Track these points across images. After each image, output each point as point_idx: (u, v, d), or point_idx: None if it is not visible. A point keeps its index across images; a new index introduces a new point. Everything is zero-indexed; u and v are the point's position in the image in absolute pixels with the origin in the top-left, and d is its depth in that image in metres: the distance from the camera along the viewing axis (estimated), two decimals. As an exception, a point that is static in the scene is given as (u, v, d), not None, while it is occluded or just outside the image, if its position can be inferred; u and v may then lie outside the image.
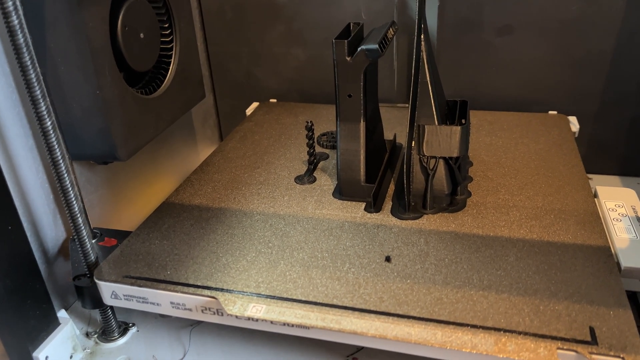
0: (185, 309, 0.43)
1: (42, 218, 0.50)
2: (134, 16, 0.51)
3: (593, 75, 0.69)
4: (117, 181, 0.61)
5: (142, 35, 0.53)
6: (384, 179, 0.56)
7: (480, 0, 0.68)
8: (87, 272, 0.47)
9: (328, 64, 0.66)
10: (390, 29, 0.52)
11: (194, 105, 0.66)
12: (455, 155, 0.48)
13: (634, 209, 0.50)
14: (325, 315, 0.39)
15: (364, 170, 0.52)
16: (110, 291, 0.44)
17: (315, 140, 0.60)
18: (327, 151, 0.63)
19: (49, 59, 0.45)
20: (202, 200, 0.55)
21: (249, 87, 0.83)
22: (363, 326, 0.38)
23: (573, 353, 0.35)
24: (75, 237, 0.46)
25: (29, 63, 0.38)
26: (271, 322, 0.40)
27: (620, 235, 0.46)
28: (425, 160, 0.49)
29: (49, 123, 0.40)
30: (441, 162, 0.49)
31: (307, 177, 0.57)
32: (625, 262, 0.43)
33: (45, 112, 0.40)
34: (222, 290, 0.42)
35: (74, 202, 0.44)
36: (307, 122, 0.57)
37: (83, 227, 0.45)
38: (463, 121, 0.52)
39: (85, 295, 0.47)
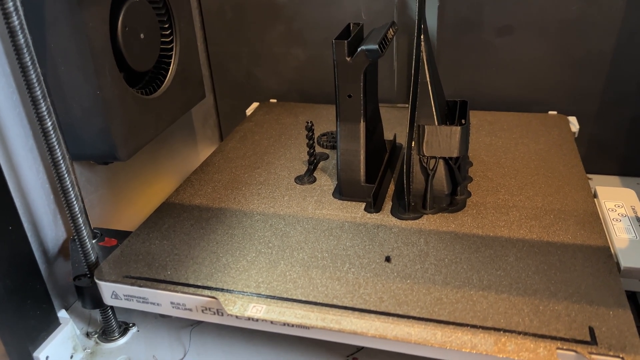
0: (186, 309, 0.43)
1: (43, 218, 0.50)
2: (134, 16, 0.51)
3: (593, 75, 0.69)
4: (117, 181, 0.61)
5: (142, 36, 0.53)
6: (384, 179, 0.56)
7: (480, 0, 0.68)
8: (87, 272, 0.47)
9: (328, 64, 0.66)
10: (390, 29, 0.52)
11: (194, 105, 0.66)
12: (455, 155, 0.48)
13: (633, 209, 0.50)
14: (325, 315, 0.39)
15: (364, 170, 0.52)
16: (111, 291, 0.44)
17: (315, 140, 0.60)
18: (327, 151, 0.63)
19: (49, 60, 0.45)
20: (202, 200, 0.55)
21: (249, 87, 0.83)
22: (363, 326, 0.38)
23: (573, 353, 0.35)
24: (75, 237, 0.46)
25: (29, 63, 0.38)
26: (271, 322, 0.40)
27: (619, 235, 0.47)
28: (425, 160, 0.49)
29: (49, 123, 0.40)
30: (441, 162, 0.49)
31: (307, 177, 0.57)
32: (625, 262, 0.43)
33: (45, 113, 0.40)
34: (222, 290, 0.42)
35: (75, 202, 0.44)
36: (307, 122, 0.57)
37: (83, 227, 0.45)
38: (463, 121, 0.52)
39: (86, 295, 0.47)
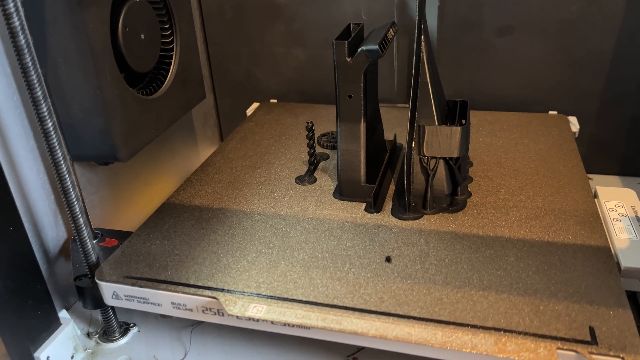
0: (186, 309, 0.43)
1: (43, 219, 0.50)
2: (135, 17, 0.51)
3: (593, 75, 0.69)
4: (117, 182, 0.61)
5: (142, 36, 0.53)
6: (384, 180, 0.56)
7: (480, 0, 0.68)
8: (88, 273, 0.47)
9: (328, 64, 0.66)
10: (391, 30, 0.52)
11: (195, 105, 0.66)
12: (455, 155, 0.48)
13: (633, 209, 0.50)
14: (325, 315, 0.39)
15: (364, 170, 0.52)
16: (111, 291, 0.44)
17: (315, 140, 0.60)
18: (327, 151, 0.63)
19: (49, 60, 0.45)
20: (202, 200, 0.55)
21: (249, 88, 0.83)
22: (363, 326, 0.38)
23: (573, 353, 0.35)
24: (76, 237, 0.46)
25: (30, 64, 0.38)
26: (272, 322, 0.40)
27: (620, 235, 0.47)
28: (426, 160, 0.49)
29: (50, 124, 0.40)
30: (441, 162, 0.49)
31: (308, 178, 0.57)
32: (625, 262, 0.43)
33: (46, 113, 0.40)
34: (222, 290, 0.42)
35: (75, 202, 0.44)
36: (308, 123, 0.57)
37: (84, 228, 0.45)
38: (463, 121, 0.52)
39: (86, 296, 0.47)
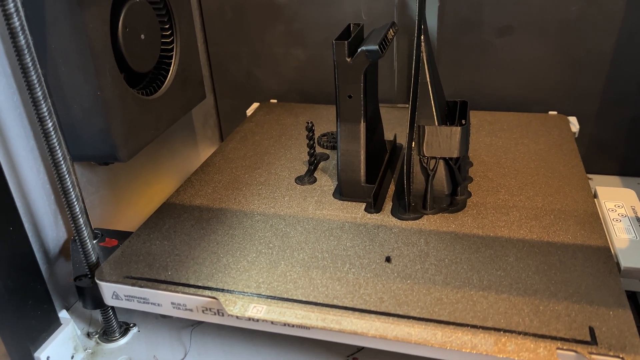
0: (186, 309, 0.43)
1: (43, 219, 0.50)
2: (135, 17, 0.52)
3: (593, 75, 0.69)
4: (117, 182, 0.61)
5: (142, 36, 0.53)
6: (384, 180, 0.56)
7: (480, 0, 0.68)
8: (88, 273, 0.47)
9: (328, 64, 0.66)
10: (391, 30, 0.52)
11: (195, 105, 0.66)
12: (455, 155, 0.48)
13: (633, 209, 0.50)
14: (325, 315, 0.39)
15: (364, 170, 0.52)
16: (111, 292, 0.44)
17: (315, 140, 0.60)
18: (327, 152, 0.63)
19: (49, 60, 0.45)
20: (202, 200, 0.55)
21: (249, 88, 0.83)
22: (363, 326, 0.38)
23: (573, 353, 0.35)
24: (76, 237, 0.46)
25: (30, 64, 0.38)
26: (272, 322, 0.40)
27: (619, 235, 0.47)
28: (426, 160, 0.49)
29: (50, 124, 0.40)
30: (441, 162, 0.49)
31: (308, 178, 0.57)
32: (625, 263, 0.43)
33: (46, 114, 0.40)
34: (222, 290, 0.42)
35: (75, 202, 0.44)
36: (308, 123, 0.57)
37: (84, 228, 0.45)
38: (463, 122, 0.52)
39: (86, 296, 0.47)
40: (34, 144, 0.48)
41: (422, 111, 0.49)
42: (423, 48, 0.49)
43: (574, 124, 0.66)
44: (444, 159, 0.49)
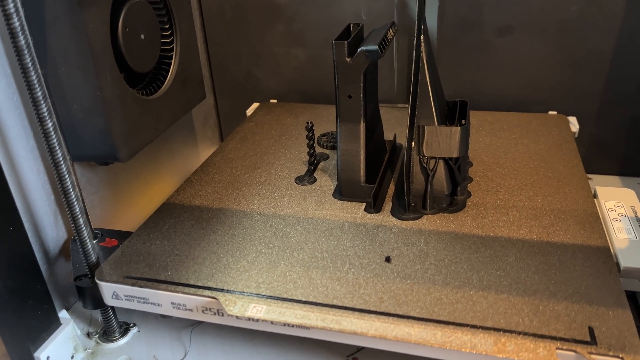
0: (186, 309, 0.43)
1: (43, 219, 0.50)
2: (135, 17, 0.52)
3: (593, 75, 0.69)
4: (117, 182, 0.61)
5: (142, 36, 0.53)
6: (384, 180, 0.56)
7: (480, 0, 0.68)
8: (88, 273, 0.47)
9: (328, 64, 0.66)
10: (390, 30, 0.52)
11: (195, 105, 0.66)
12: (455, 155, 0.48)
13: (633, 209, 0.50)
14: (325, 315, 0.39)
15: (364, 170, 0.52)
16: (111, 291, 0.44)
17: (315, 140, 0.60)
18: (327, 152, 0.63)
19: (49, 60, 0.45)
20: (202, 200, 0.55)
21: (249, 88, 0.83)
22: (363, 326, 0.38)
23: (572, 353, 0.35)
24: (76, 237, 0.46)
25: (30, 65, 0.38)
26: (271, 322, 0.41)
27: (619, 235, 0.47)
28: (425, 160, 0.49)
29: (50, 124, 0.40)
30: (441, 162, 0.49)
31: (308, 178, 0.57)
32: (625, 262, 0.43)
33: (46, 114, 0.40)
34: (222, 290, 0.42)
35: (75, 202, 0.44)
36: (308, 123, 0.57)
37: (84, 228, 0.45)
38: (463, 122, 0.52)
39: (86, 296, 0.47)
40: (34, 144, 0.48)
41: (422, 111, 0.49)
42: (423, 48, 0.49)
43: (574, 124, 0.66)
44: (444, 159, 0.49)
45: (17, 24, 0.36)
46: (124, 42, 0.50)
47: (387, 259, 0.45)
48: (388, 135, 0.62)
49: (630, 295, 0.50)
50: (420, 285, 0.42)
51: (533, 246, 0.45)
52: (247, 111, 0.77)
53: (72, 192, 0.44)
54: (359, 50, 0.48)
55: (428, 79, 0.49)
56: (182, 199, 0.55)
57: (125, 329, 0.51)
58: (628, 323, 0.37)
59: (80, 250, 0.46)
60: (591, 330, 0.36)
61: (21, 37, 0.37)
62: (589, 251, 0.44)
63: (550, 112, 0.69)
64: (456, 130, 0.47)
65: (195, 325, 0.51)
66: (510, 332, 0.37)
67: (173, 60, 0.60)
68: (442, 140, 0.48)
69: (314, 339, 0.41)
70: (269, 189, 0.56)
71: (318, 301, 0.40)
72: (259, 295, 0.41)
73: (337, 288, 0.42)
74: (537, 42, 0.69)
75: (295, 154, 0.63)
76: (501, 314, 0.38)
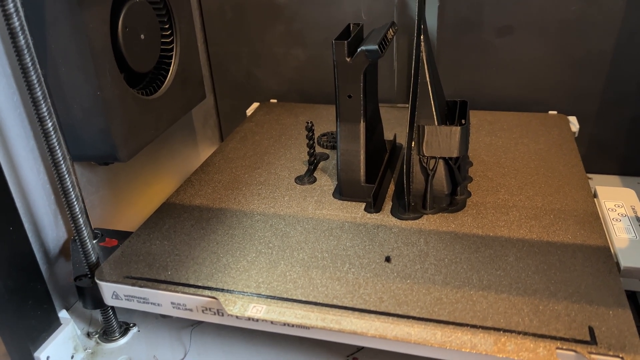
0: (186, 309, 0.43)
1: (43, 219, 0.50)
2: (135, 17, 0.52)
3: (593, 75, 0.69)
4: (117, 182, 0.61)
5: (142, 36, 0.53)
6: (384, 179, 0.56)
7: (480, 0, 0.68)
8: (88, 273, 0.47)
9: (328, 64, 0.66)
10: (390, 30, 0.52)
11: (195, 105, 0.66)
12: (455, 155, 0.48)
13: (633, 209, 0.50)
14: (325, 315, 0.39)
15: (364, 170, 0.52)
16: (111, 291, 0.44)
17: (315, 140, 0.60)
18: (327, 151, 0.63)
19: (49, 60, 0.45)
20: (202, 200, 0.55)
21: (249, 88, 0.83)
22: (363, 326, 0.38)
23: (572, 353, 0.35)
24: (76, 237, 0.46)
25: (30, 64, 0.38)
26: (271, 322, 0.41)
27: (619, 235, 0.47)
28: (425, 160, 0.49)
29: (50, 124, 0.40)
30: (441, 162, 0.49)
31: (308, 178, 0.57)
32: (625, 262, 0.43)
33: (46, 114, 0.40)
34: (222, 290, 0.42)
35: (75, 202, 0.44)
36: (308, 123, 0.57)
37: (84, 228, 0.45)
38: (463, 121, 0.52)
39: (86, 296, 0.47)
40: (34, 144, 0.48)
41: (421, 111, 0.49)
42: (423, 48, 0.49)
43: (574, 123, 0.66)
44: (444, 158, 0.49)
45: (17, 24, 0.36)
46: (124, 42, 0.50)
47: (387, 259, 0.45)
48: (388, 135, 0.62)
49: (630, 295, 0.50)
50: (420, 285, 0.42)
51: (533, 246, 0.45)
52: (247, 111, 0.77)
53: (72, 192, 0.44)
54: (359, 50, 0.48)
55: (428, 79, 0.49)
56: (182, 199, 0.55)
57: (125, 329, 0.51)
58: (628, 323, 0.37)
59: (80, 250, 0.46)
60: (591, 330, 0.36)
61: (21, 37, 0.37)
62: (589, 251, 0.44)
63: (550, 112, 0.69)
64: (456, 130, 0.47)
65: (195, 325, 0.51)
66: (510, 331, 0.37)
67: (173, 60, 0.60)
68: (442, 140, 0.48)
69: (314, 338, 0.41)
70: (269, 188, 0.56)
71: (318, 301, 0.40)
72: (259, 295, 0.41)
73: (337, 288, 0.42)
74: (537, 42, 0.69)
75: (295, 154, 0.63)
76: (501, 314, 0.38)
